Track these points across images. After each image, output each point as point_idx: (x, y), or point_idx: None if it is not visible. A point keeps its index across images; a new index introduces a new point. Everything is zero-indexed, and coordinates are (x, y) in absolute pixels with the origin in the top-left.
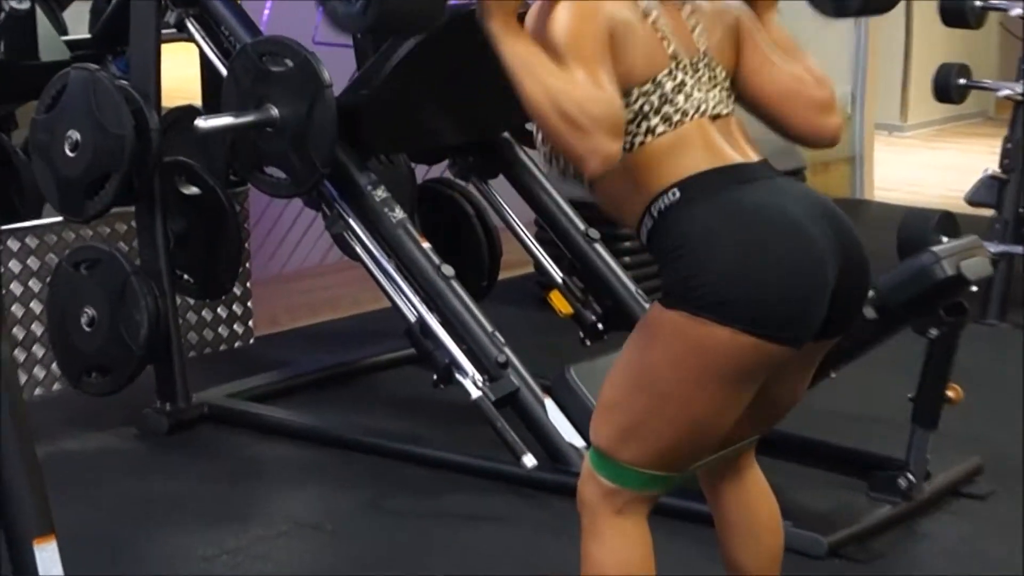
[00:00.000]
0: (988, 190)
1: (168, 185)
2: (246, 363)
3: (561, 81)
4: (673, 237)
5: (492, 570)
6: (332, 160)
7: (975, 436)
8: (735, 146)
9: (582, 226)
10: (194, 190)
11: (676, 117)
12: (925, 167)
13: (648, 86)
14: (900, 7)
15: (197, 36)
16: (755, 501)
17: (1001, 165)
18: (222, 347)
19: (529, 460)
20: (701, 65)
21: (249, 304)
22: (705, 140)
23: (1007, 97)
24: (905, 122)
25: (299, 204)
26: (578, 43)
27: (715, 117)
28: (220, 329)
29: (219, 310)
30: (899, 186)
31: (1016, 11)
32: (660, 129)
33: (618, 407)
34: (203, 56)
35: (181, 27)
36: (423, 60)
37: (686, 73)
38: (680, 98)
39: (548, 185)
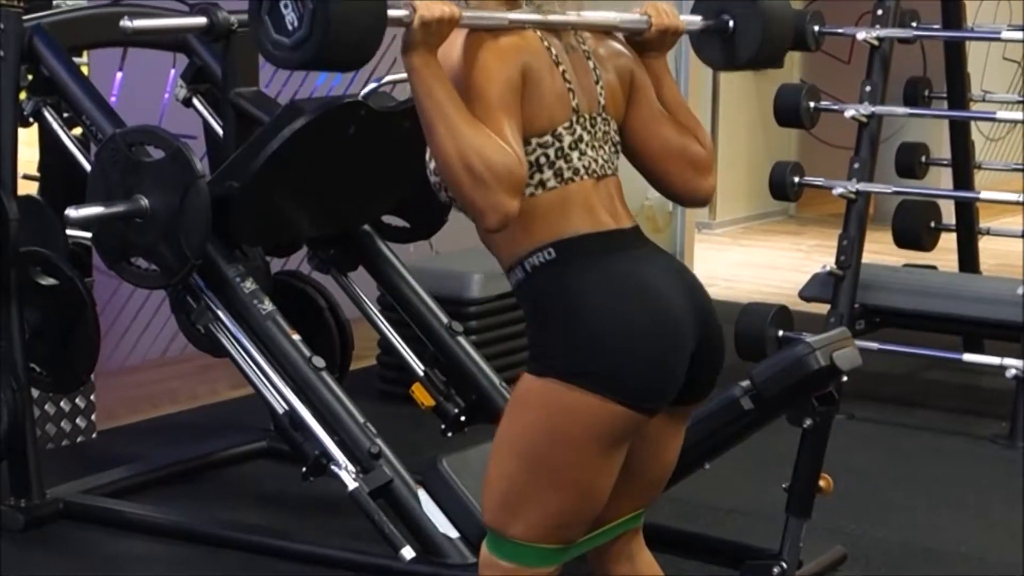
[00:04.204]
0: (823, 285)
1: (24, 276)
2: (93, 458)
3: (471, 133)
4: (542, 300)
5: None
6: (204, 251)
7: (829, 527)
8: (612, 211)
9: (445, 319)
10: (51, 281)
11: (567, 174)
12: (738, 264)
13: (547, 138)
14: (707, 111)
15: (55, 126)
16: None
17: (837, 261)
18: (64, 442)
19: (408, 552)
20: (599, 120)
21: (92, 397)
22: (587, 202)
23: (841, 195)
24: (714, 219)
25: (140, 296)
26: (490, 88)
27: (601, 177)
28: (63, 423)
29: (62, 404)
30: (715, 282)
31: (850, 113)
32: (551, 184)
33: (499, 478)
34: (49, 145)
35: (38, 116)
36: (295, 153)
37: (584, 128)
38: (575, 155)
39: (410, 278)
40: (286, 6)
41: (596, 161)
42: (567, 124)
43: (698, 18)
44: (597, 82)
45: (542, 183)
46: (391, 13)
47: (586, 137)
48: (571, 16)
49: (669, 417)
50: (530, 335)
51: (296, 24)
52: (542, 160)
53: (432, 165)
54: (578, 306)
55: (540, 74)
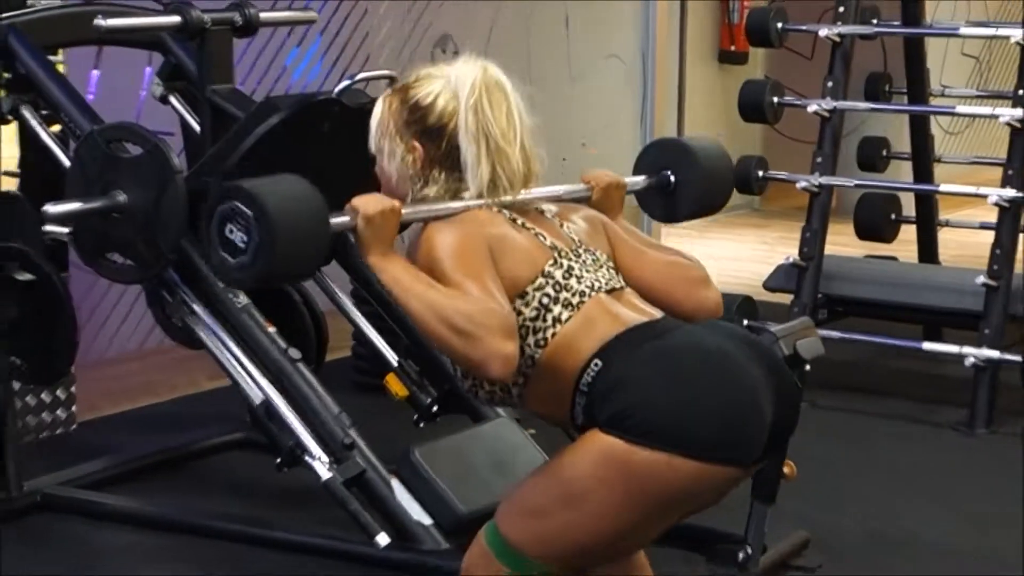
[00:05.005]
0: (787, 276)
1: (1, 271)
2: (73, 449)
3: (446, 296)
4: (604, 388)
5: None
6: (178, 247)
7: (793, 513)
8: (638, 310)
9: None
10: (27, 276)
11: (576, 300)
12: (704, 257)
13: (540, 280)
14: (673, 107)
15: (34, 123)
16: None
17: (801, 253)
18: (44, 433)
19: (383, 539)
20: (581, 251)
21: (72, 389)
22: (609, 311)
23: (804, 189)
24: None
25: (118, 290)
26: (461, 259)
27: (610, 291)
28: (43, 415)
29: (42, 395)
30: None
31: (812, 108)
32: (565, 315)
33: (544, 516)
34: (29, 142)
35: (16, 114)
36: (271, 149)
37: (570, 260)
38: (573, 282)
39: None
40: (231, 231)
41: (599, 280)
42: (551, 261)
43: (641, 178)
44: (561, 226)
45: (557, 319)
46: (334, 221)
47: (576, 267)
48: (517, 195)
49: (740, 471)
50: (598, 411)
51: (245, 239)
52: (545, 300)
53: (458, 372)
54: (639, 374)
55: (505, 238)
